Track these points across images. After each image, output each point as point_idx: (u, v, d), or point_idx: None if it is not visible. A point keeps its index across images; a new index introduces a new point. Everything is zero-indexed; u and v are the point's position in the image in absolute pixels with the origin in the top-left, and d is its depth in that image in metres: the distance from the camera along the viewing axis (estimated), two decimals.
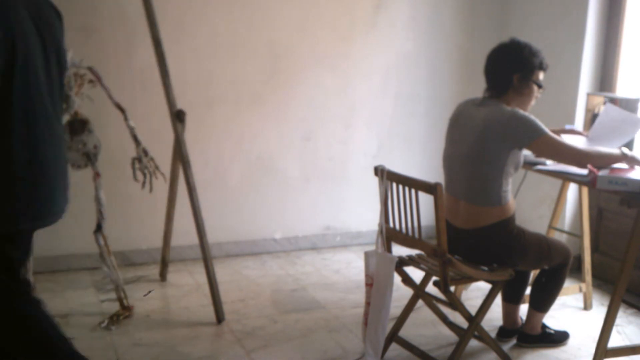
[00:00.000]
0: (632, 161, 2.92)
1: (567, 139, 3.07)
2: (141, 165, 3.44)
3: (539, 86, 2.94)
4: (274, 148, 4.42)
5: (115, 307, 3.47)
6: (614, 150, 2.94)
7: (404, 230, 2.91)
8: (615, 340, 3.27)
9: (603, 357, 2.87)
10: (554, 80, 4.17)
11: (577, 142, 3.16)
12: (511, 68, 2.89)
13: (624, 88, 4.11)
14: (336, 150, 4.58)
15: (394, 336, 3.12)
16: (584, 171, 2.93)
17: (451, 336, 3.24)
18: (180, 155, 3.42)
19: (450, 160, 3.01)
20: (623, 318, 3.58)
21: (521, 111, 2.84)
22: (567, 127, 3.44)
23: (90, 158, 3.35)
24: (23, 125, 2.15)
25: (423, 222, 2.85)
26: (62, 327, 3.30)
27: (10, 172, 2.15)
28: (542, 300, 3.18)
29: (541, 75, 2.95)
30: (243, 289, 3.88)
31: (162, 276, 3.96)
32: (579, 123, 4.12)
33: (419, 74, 4.67)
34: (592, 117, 3.49)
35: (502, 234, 2.89)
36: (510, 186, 2.92)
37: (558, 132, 3.26)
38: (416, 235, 2.86)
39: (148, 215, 4.11)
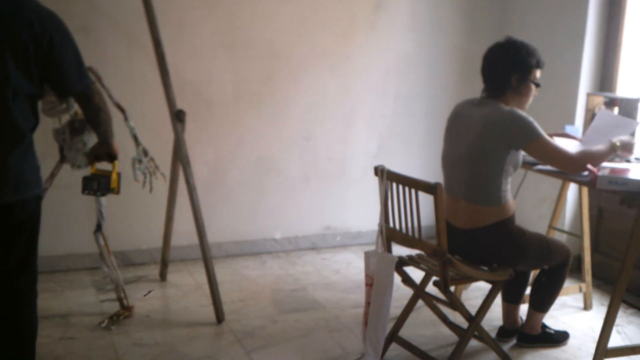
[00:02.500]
0: (624, 147, 2.94)
1: (562, 142, 3.09)
2: (141, 165, 3.44)
3: (537, 85, 2.94)
4: (274, 148, 4.42)
5: (115, 307, 3.47)
6: (602, 146, 2.94)
7: (404, 230, 2.91)
8: (615, 340, 3.27)
9: (603, 357, 2.86)
10: (554, 80, 4.17)
11: (570, 145, 3.16)
12: (509, 69, 2.89)
13: (624, 88, 4.11)
14: (336, 150, 4.58)
15: (394, 336, 3.12)
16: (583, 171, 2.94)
17: (451, 336, 3.24)
18: (180, 155, 3.42)
19: (449, 160, 3.01)
20: (623, 318, 3.58)
21: (519, 112, 2.84)
22: (567, 128, 3.44)
23: None
24: None
25: (423, 222, 2.85)
26: (62, 327, 3.32)
27: None
28: (542, 300, 3.18)
29: (538, 74, 2.95)
30: (243, 289, 3.88)
31: (162, 276, 3.96)
32: (579, 123, 4.12)
33: (419, 74, 4.67)
34: (592, 117, 3.49)
35: (502, 233, 2.89)
36: (509, 186, 2.92)
37: (555, 135, 3.27)
38: (416, 235, 2.86)
39: (148, 215, 4.11)
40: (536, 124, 2.81)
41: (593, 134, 3.22)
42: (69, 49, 2.38)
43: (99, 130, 2.67)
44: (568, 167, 2.88)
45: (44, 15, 2.30)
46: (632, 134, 3.17)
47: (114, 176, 2.95)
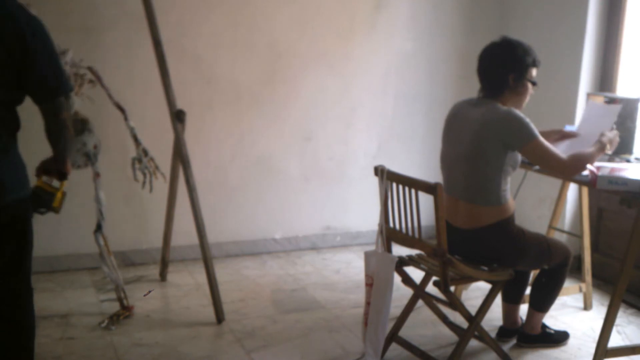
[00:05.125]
0: (611, 143, 2.98)
1: (561, 146, 3.10)
2: (141, 165, 3.44)
3: (534, 83, 2.95)
4: (274, 148, 4.42)
5: (115, 307, 3.47)
6: (593, 148, 2.94)
7: (404, 230, 2.91)
8: (615, 340, 3.27)
9: (603, 357, 2.87)
10: (554, 80, 4.18)
11: (567, 143, 3.17)
12: (506, 68, 2.89)
13: (624, 88, 4.11)
14: (336, 150, 4.58)
15: (394, 336, 3.12)
16: (583, 171, 2.95)
17: (451, 336, 3.24)
18: (180, 155, 3.42)
19: (448, 161, 3.01)
20: (623, 318, 3.58)
21: (516, 112, 2.84)
22: (567, 128, 3.44)
23: (90, 158, 3.35)
24: None
25: (423, 222, 2.85)
26: (62, 327, 3.32)
27: None
28: (542, 300, 3.18)
29: (534, 72, 2.95)
30: (243, 289, 3.88)
31: (162, 276, 3.96)
32: (579, 123, 4.11)
33: (419, 74, 4.67)
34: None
35: (502, 234, 2.89)
36: (509, 185, 2.92)
37: (551, 132, 3.26)
38: (416, 235, 2.86)
39: (148, 215, 4.11)
40: (532, 126, 2.81)
41: (585, 126, 3.21)
42: (46, 53, 2.28)
43: (58, 146, 2.48)
44: (560, 172, 2.89)
45: (20, 18, 2.21)
46: (624, 128, 3.20)
47: (59, 195, 2.72)
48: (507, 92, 2.91)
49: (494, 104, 2.88)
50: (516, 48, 2.90)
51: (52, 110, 2.37)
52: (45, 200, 2.70)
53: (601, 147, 2.95)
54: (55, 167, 2.57)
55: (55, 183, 2.69)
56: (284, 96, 4.37)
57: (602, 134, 3.00)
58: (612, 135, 3.02)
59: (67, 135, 2.46)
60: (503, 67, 2.89)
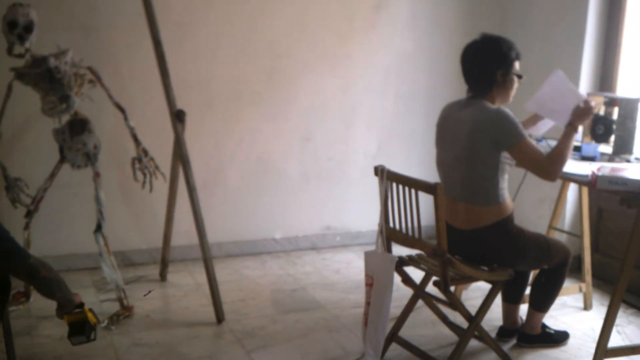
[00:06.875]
0: (582, 116, 2.88)
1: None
2: (141, 165, 3.44)
3: (520, 77, 2.95)
4: (274, 148, 4.42)
5: (115, 307, 3.47)
6: (565, 138, 2.85)
7: (403, 230, 2.91)
8: (615, 340, 3.27)
9: (603, 357, 2.86)
10: None
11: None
12: (493, 65, 2.89)
13: (624, 88, 4.11)
14: (336, 150, 4.58)
15: (394, 336, 3.12)
16: (583, 171, 2.94)
17: (451, 336, 3.24)
18: (180, 155, 3.42)
19: (444, 164, 3.02)
20: (623, 318, 3.58)
21: (506, 111, 2.83)
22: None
23: (90, 158, 3.35)
24: None
25: (423, 222, 2.85)
26: (62, 327, 3.31)
27: None
28: (542, 300, 3.18)
29: (518, 66, 2.95)
30: (243, 289, 3.88)
31: (162, 276, 3.96)
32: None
33: (419, 74, 4.67)
34: (592, 117, 3.49)
35: (502, 234, 2.89)
36: (506, 184, 2.91)
37: (533, 119, 3.22)
38: (416, 235, 2.86)
39: (148, 215, 4.11)
40: (520, 126, 2.81)
41: (545, 98, 3.08)
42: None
43: (55, 298, 2.45)
44: (544, 174, 2.83)
45: None
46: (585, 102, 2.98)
47: (90, 315, 2.66)
48: (495, 88, 2.91)
49: (483, 103, 2.89)
50: (501, 44, 2.91)
51: (28, 274, 2.34)
52: (88, 329, 2.63)
53: (572, 129, 2.86)
54: (68, 310, 2.53)
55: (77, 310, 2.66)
56: (283, 96, 4.37)
57: (573, 113, 2.90)
58: (579, 110, 2.89)
59: (56, 286, 2.41)
60: (490, 64, 2.90)
